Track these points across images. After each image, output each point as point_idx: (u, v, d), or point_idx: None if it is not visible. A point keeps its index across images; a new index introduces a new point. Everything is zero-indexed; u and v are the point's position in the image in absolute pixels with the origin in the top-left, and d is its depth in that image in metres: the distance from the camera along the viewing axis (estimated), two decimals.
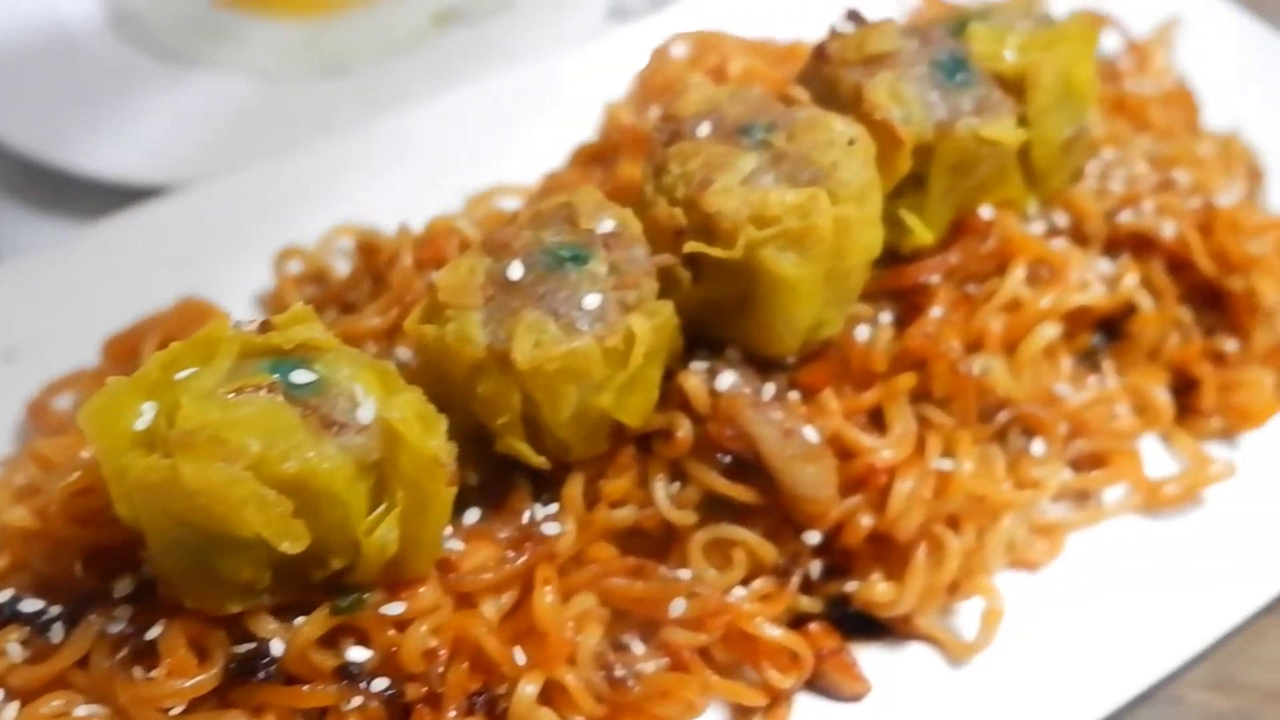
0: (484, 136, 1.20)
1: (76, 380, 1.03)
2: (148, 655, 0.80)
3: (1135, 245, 1.05)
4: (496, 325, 0.81)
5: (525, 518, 0.86)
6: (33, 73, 1.34)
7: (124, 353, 1.03)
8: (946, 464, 0.93)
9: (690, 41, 1.22)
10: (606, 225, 0.85)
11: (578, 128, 1.17)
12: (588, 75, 1.23)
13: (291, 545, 0.74)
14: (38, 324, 1.06)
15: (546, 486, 0.89)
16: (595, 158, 1.11)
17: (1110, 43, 1.27)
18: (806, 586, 0.93)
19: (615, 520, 0.89)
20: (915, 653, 0.94)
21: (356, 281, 1.03)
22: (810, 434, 0.89)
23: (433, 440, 0.76)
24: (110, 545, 0.83)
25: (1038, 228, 1.03)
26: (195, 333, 0.78)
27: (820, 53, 0.97)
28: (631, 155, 1.08)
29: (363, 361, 0.79)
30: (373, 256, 1.02)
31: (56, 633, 0.82)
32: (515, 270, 0.82)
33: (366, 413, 0.76)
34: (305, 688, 0.80)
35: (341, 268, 1.09)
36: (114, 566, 0.83)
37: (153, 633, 0.80)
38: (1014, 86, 0.99)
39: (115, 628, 0.81)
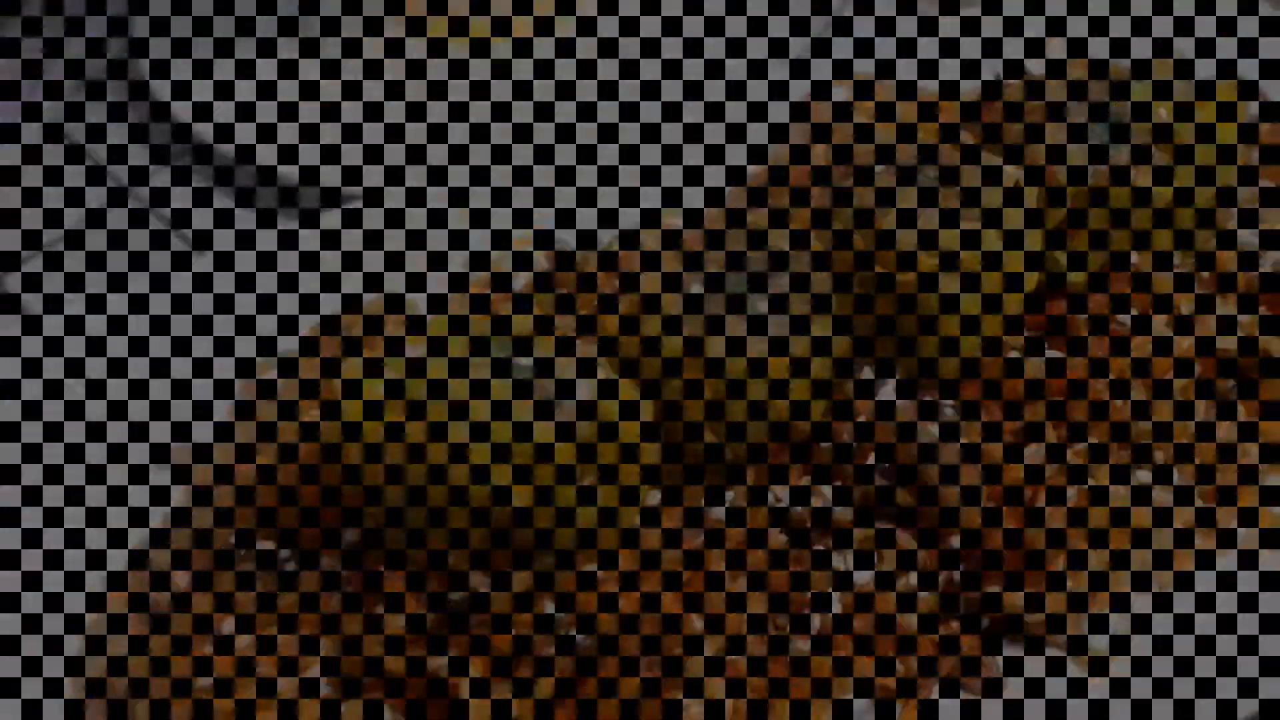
0: None
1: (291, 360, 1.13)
2: (372, 589, 0.91)
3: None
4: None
5: (701, 501, 0.96)
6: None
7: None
8: (1094, 481, 1.00)
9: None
10: None
11: None
12: None
13: (512, 506, 0.84)
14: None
15: (716, 476, 0.99)
16: None
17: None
18: (951, 588, 1.01)
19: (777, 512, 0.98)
20: (1053, 663, 0.98)
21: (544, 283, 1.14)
22: (962, 443, 0.98)
23: (638, 424, 0.86)
24: (341, 499, 0.94)
25: (1180, 279, 1.10)
26: (404, 318, 0.89)
27: (984, 95, 1.06)
28: None
29: (576, 349, 0.90)
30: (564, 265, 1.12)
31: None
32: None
33: (583, 393, 0.86)
34: (510, 636, 0.90)
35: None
36: (343, 518, 0.94)
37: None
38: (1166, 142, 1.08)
39: (341, 569, 0.92)
